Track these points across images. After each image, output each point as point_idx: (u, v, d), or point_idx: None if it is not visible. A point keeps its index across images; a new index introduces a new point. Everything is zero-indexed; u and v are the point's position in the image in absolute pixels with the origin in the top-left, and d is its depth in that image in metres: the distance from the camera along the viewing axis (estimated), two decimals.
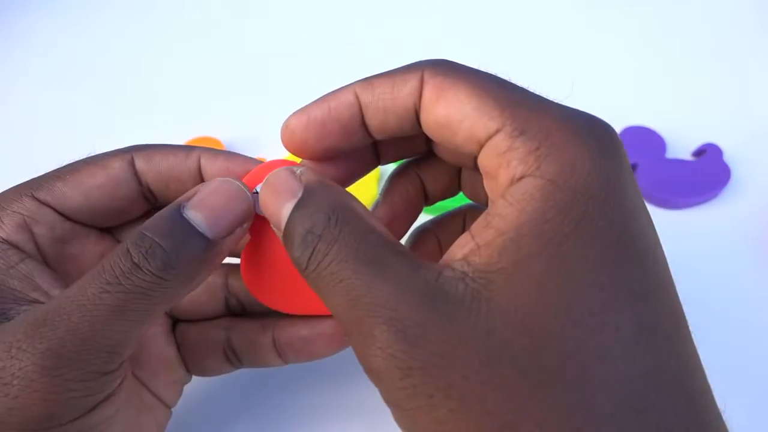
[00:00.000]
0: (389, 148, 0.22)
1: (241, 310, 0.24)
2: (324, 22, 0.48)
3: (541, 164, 0.16)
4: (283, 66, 0.44)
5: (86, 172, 0.21)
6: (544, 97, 0.18)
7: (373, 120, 0.19)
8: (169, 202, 0.20)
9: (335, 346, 0.23)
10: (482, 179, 0.18)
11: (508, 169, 0.16)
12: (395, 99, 0.18)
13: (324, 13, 0.48)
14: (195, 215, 0.18)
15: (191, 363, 0.24)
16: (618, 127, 0.38)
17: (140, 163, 0.21)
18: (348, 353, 0.24)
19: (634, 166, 0.36)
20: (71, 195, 0.20)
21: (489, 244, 0.15)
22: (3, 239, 0.19)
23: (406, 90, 0.18)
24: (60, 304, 0.17)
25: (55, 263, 0.20)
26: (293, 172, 0.18)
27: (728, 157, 0.36)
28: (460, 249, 0.16)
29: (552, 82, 0.43)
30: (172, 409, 0.24)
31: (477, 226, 0.16)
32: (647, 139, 0.37)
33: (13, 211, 0.20)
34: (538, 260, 0.15)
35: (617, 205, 0.15)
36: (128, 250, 0.17)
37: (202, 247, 0.18)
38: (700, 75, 0.43)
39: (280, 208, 0.18)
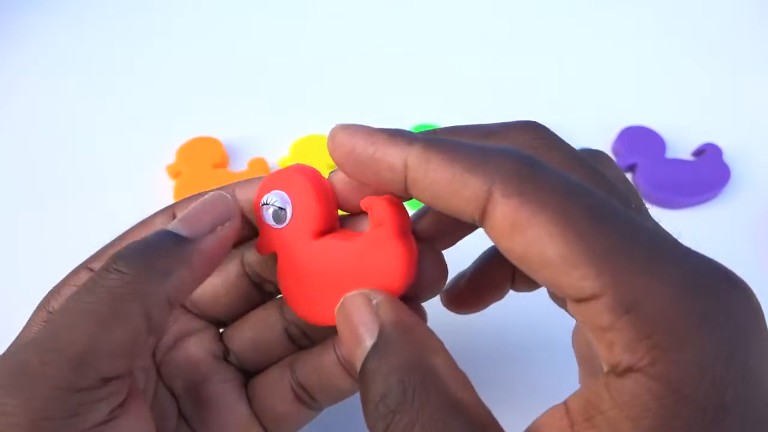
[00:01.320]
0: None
1: (306, 340, 0.22)
2: (324, 21, 0.48)
3: (656, 360, 0.12)
4: (284, 66, 0.44)
5: (132, 235, 0.20)
6: (658, 233, 0.14)
7: (425, 200, 0.16)
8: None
9: None
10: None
11: (610, 351, 0.13)
12: (450, 199, 0.15)
13: (324, 12, 0.48)
14: (174, 224, 0.18)
15: (265, 417, 0.21)
16: (618, 127, 0.38)
17: (250, 258, 0.21)
18: None
19: (633, 166, 0.36)
20: (201, 291, 0.20)
21: None
22: None
23: (466, 194, 0.14)
24: (43, 332, 0.16)
25: None
26: (369, 302, 0.16)
27: (728, 157, 0.36)
28: None
29: (552, 82, 0.43)
30: None
31: (577, 413, 0.13)
32: (647, 139, 0.37)
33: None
34: None
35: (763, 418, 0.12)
36: (108, 263, 0.17)
37: (173, 241, 0.17)
38: (700, 75, 0.43)
39: (354, 349, 0.16)
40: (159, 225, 0.19)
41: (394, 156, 0.16)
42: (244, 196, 0.20)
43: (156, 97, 0.42)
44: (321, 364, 0.20)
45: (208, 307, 0.22)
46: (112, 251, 0.18)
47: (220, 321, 0.22)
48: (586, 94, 0.42)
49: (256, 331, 0.21)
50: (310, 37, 0.46)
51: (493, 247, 0.20)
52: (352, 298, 0.17)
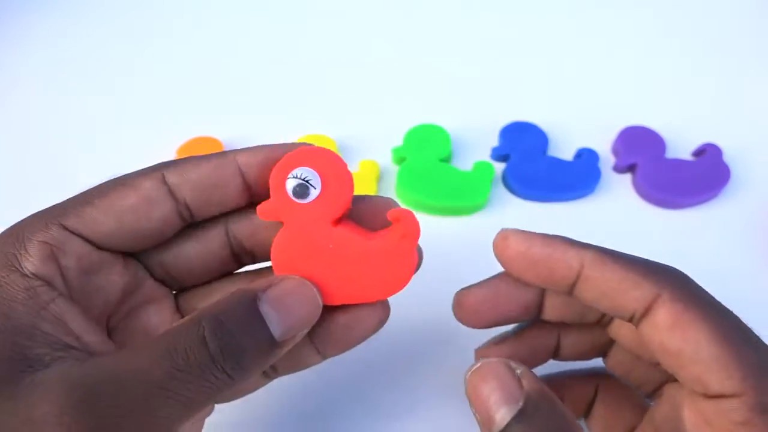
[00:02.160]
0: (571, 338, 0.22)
1: (250, 258, 0.22)
2: (325, 21, 0.48)
3: None
4: (284, 66, 0.44)
5: (116, 194, 0.19)
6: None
7: (589, 297, 0.19)
8: (211, 215, 0.20)
9: (375, 324, 0.21)
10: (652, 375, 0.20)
11: None
12: (617, 297, 0.18)
13: (325, 12, 0.48)
14: (271, 313, 0.17)
15: None
16: (618, 127, 0.38)
17: (173, 179, 0.19)
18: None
19: (633, 166, 0.36)
20: (103, 220, 0.19)
21: None
22: (32, 273, 0.17)
23: (635, 294, 0.18)
24: (121, 376, 0.15)
25: (80, 297, 0.19)
26: (513, 371, 0.18)
27: (728, 157, 0.36)
28: None
29: (553, 82, 0.43)
30: None
31: None
32: (647, 139, 0.37)
33: (40, 241, 0.18)
34: None
35: None
36: (204, 338, 0.16)
37: (269, 348, 0.17)
38: (700, 75, 0.43)
39: (494, 409, 0.17)
40: (149, 188, 0.19)
41: (573, 256, 0.19)
42: (245, 159, 0.20)
43: (156, 97, 0.42)
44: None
45: (181, 275, 0.21)
46: (88, 208, 0.18)
47: (182, 287, 0.22)
48: (586, 94, 0.42)
49: (201, 253, 0.20)
50: (311, 37, 0.46)
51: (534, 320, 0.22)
52: (493, 363, 0.18)
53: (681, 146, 0.38)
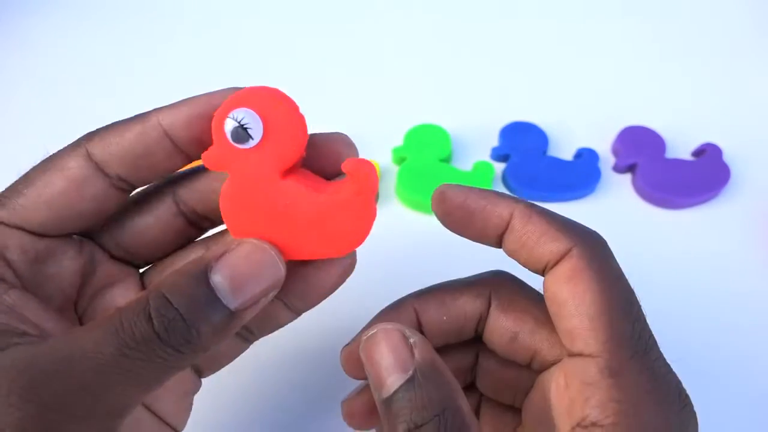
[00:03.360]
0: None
1: (208, 223, 0.22)
2: (325, 22, 0.48)
3: (618, 422, 0.16)
4: (283, 66, 0.44)
5: (42, 181, 0.18)
6: (653, 342, 0.18)
7: (511, 248, 0.19)
8: (150, 182, 0.20)
9: (340, 274, 0.21)
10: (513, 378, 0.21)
11: (584, 405, 0.17)
12: (535, 248, 0.19)
13: (326, 13, 0.48)
14: (222, 283, 0.17)
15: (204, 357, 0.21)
16: (618, 127, 0.38)
17: (98, 153, 0.19)
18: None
19: (633, 166, 0.36)
20: (34, 209, 0.18)
21: None
22: None
23: (551, 246, 0.18)
24: (70, 355, 0.15)
25: (33, 286, 0.18)
26: (407, 339, 0.18)
27: (728, 157, 0.36)
28: None
29: (553, 82, 0.43)
30: None
31: None
32: (647, 139, 0.37)
33: None
34: None
35: None
36: (150, 316, 0.16)
37: (222, 322, 0.17)
38: (700, 75, 0.44)
39: (385, 375, 0.17)
40: (74, 168, 0.19)
41: (504, 207, 0.19)
42: (168, 120, 0.19)
43: (156, 96, 0.42)
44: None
45: (139, 251, 0.21)
46: (18, 199, 0.18)
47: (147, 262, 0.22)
48: (586, 94, 0.42)
49: (152, 225, 0.20)
50: (311, 37, 0.46)
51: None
52: (388, 331, 0.18)
53: (681, 146, 0.38)
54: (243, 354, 0.23)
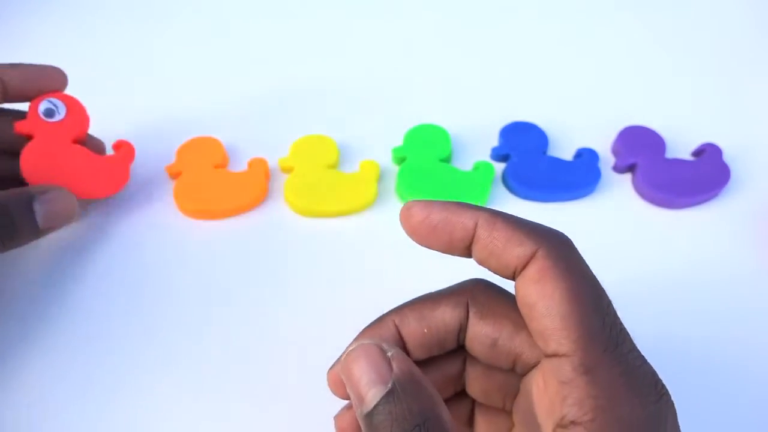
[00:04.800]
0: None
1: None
2: (324, 22, 0.48)
3: (596, 417, 0.16)
4: (284, 66, 0.44)
5: None
6: (625, 336, 0.18)
7: (481, 256, 0.20)
8: None
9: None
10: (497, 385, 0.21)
11: (562, 404, 0.17)
12: (503, 255, 0.19)
13: (325, 12, 0.48)
14: (40, 211, 0.28)
15: None
16: (618, 127, 0.38)
17: None
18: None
19: (633, 166, 0.36)
20: None
21: None
22: None
23: (518, 251, 0.19)
24: None
25: None
26: (385, 353, 0.19)
27: (728, 157, 0.36)
28: None
29: (553, 82, 0.43)
30: None
31: None
32: (647, 139, 0.37)
33: None
34: None
35: None
36: None
37: (30, 234, 0.28)
38: (700, 75, 0.44)
39: (365, 390, 0.18)
40: None
41: (467, 218, 0.19)
42: (7, 77, 0.30)
43: (156, 97, 0.42)
44: None
45: None
46: None
47: None
48: (586, 94, 0.42)
49: None
50: (311, 37, 0.46)
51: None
52: (366, 346, 0.19)
53: (681, 146, 0.38)
54: (226, 375, 0.27)
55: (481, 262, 0.20)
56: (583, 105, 0.41)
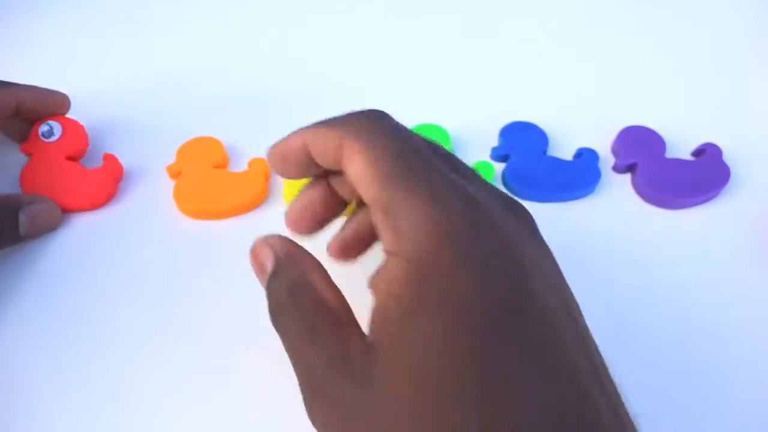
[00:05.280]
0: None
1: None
2: (324, 22, 0.48)
3: (402, 245, 0.18)
4: (284, 66, 0.44)
5: None
6: (434, 165, 0.20)
7: (318, 159, 0.22)
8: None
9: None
10: None
11: (383, 242, 0.19)
12: (325, 153, 0.21)
13: (325, 12, 0.48)
14: (25, 221, 0.31)
15: None
16: (618, 127, 0.38)
17: None
18: None
19: (633, 166, 0.36)
20: None
21: (374, 319, 0.19)
22: None
23: (330, 144, 0.21)
24: None
25: None
26: (269, 245, 0.23)
27: (728, 157, 0.36)
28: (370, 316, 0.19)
29: (552, 81, 0.43)
30: None
31: (375, 286, 0.20)
32: (647, 139, 0.37)
33: None
34: (396, 342, 0.18)
35: (460, 281, 0.17)
36: None
37: (14, 241, 0.31)
38: (700, 75, 0.44)
39: (261, 277, 0.23)
40: None
41: (297, 137, 0.22)
42: (23, 96, 0.34)
43: (156, 96, 0.42)
44: None
45: None
46: None
47: None
48: (586, 94, 0.42)
49: None
50: (311, 37, 0.46)
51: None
52: (258, 240, 0.23)
53: (681, 146, 0.38)
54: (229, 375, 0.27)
55: (325, 166, 0.22)
56: (583, 105, 0.41)
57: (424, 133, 0.37)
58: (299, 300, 0.21)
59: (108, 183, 0.34)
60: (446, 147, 0.36)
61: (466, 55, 0.45)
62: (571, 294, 0.21)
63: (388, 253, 0.19)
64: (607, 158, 0.38)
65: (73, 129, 0.36)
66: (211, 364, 0.29)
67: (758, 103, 0.41)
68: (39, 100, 0.35)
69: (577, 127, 0.39)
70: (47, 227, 0.33)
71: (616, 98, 0.42)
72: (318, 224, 0.25)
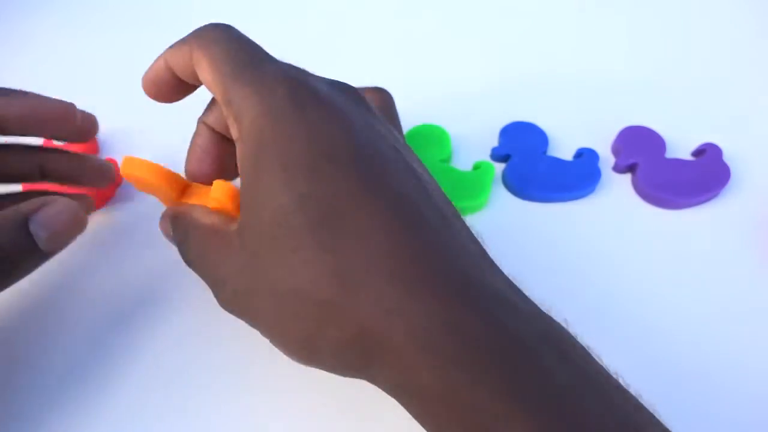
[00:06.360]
0: None
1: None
2: (324, 21, 0.48)
3: (242, 130, 0.21)
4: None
5: None
6: (264, 58, 0.23)
7: (180, 74, 0.25)
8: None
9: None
10: None
11: (232, 129, 0.22)
12: (182, 68, 0.24)
13: (325, 11, 0.48)
14: (40, 232, 0.23)
15: None
16: (618, 127, 0.38)
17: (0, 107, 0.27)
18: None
19: (633, 166, 0.36)
20: None
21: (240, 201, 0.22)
22: None
23: (183, 58, 0.24)
24: None
25: None
26: (163, 217, 0.27)
27: (728, 156, 0.36)
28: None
29: (552, 81, 0.43)
30: None
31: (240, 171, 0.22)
32: (647, 139, 0.37)
33: None
34: (246, 202, 0.21)
35: (291, 142, 0.20)
36: None
37: (37, 260, 0.24)
38: (700, 75, 0.43)
39: (173, 242, 0.26)
40: None
41: (159, 61, 0.25)
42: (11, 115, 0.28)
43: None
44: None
45: None
46: None
47: None
48: (586, 94, 0.42)
49: None
50: (311, 37, 0.46)
51: None
52: (162, 217, 0.26)
53: (681, 146, 0.38)
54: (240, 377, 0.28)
55: (190, 80, 0.25)
56: (583, 105, 0.41)
57: (425, 133, 0.37)
58: (191, 234, 0.24)
59: (107, 188, 0.34)
60: (446, 147, 0.36)
61: (467, 55, 0.45)
62: (405, 150, 0.24)
63: (236, 141, 0.22)
64: (607, 158, 0.38)
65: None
66: (217, 364, 0.29)
67: (758, 103, 0.41)
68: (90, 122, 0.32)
69: (577, 127, 0.39)
70: (72, 232, 0.24)
71: (616, 98, 0.42)
72: (217, 166, 0.27)
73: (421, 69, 0.44)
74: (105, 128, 0.39)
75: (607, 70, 0.44)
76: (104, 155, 0.38)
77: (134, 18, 0.48)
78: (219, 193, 0.23)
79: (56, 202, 0.24)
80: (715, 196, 0.36)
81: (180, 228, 0.25)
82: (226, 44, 0.23)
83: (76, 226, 0.24)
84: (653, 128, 0.38)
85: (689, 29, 0.47)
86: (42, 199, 0.24)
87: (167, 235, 0.26)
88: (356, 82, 0.43)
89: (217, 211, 0.24)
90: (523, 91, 0.42)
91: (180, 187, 0.27)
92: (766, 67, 0.44)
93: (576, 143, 0.38)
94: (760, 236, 0.34)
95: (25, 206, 0.23)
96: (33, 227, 0.22)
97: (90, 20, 0.48)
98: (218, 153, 0.26)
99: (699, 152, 0.37)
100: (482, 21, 0.48)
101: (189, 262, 0.25)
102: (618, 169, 0.37)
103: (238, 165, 0.22)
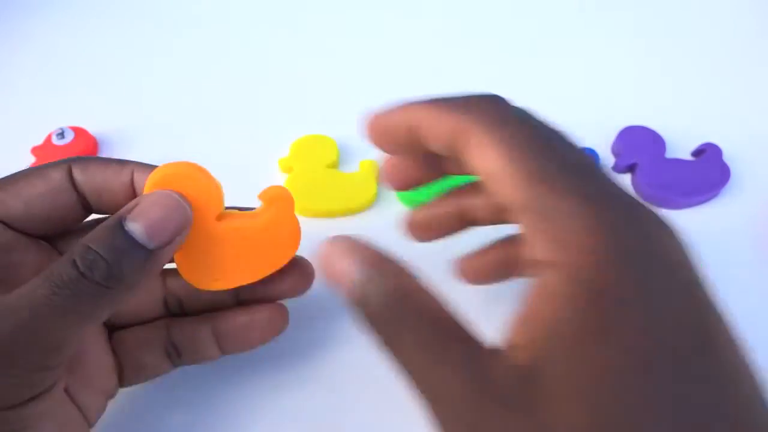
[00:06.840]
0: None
1: (179, 311, 0.26)
2: (324, 20, 0.48)
3: (568, 256, 0.15)
4: (283, 66, 0.44)
5: (25, 181, 0.22)
6: (581, 161, 0.18)
7: (429, 142, 0.20)
8: (102, 212, 0.23)
9: (272, 331, 0.25)
10: None
11: (531, 249, 0.16)
12: (439, 134, 0.20)
13: (324, 11, 0.48)
14: (135, 227, 0.20)
15: (129, 363, 0.25)
16: (618, 127, 0.38)
17: (77, 174, 0.22)
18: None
19: (633, 166, 0.36)
20: (12, 204, 0.22)
21: (530, 340, 0.16)
22: None
23: (443, 128, 0.20)
24: (10, 301, 0.18)
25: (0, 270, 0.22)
26: (347, 247, 0.19)
27: (728, 156, 0.36)
28: (513, 335, 0.16)
29: (552, 81, 0.43)
30: None
31: (521, 313, 0.16)
32: (647, 138, 0.37)
33: None
34: (571, 370, 0.15)
35: (640, 301, 0.15)
36: (74, 261, 0.19)
37: (143, 258, 0.20)
38: (700, 75, 0.43)
39: (341, 284, 0.18)
40: (56, 179, 0.22)
41: (403, 113, 0.22)
42: (138, 175, 0.23)
43: (156, 96, 0.42)
44: (197, 333, 0.25)
45: (37, 225, 0.23)
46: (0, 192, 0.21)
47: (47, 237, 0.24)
48: (586, 94, 0.42)
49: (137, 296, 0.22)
50: (310, 37, 0.46)
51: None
52: (328, 244, 0.19)
53: (681, 146, 0.38)
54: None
55: (434, 150, 0.21)
56: (583, 105, 0.41)
57: None
58: (411, 309, 0.17)
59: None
60: None
61: (467, 55, 0.45)
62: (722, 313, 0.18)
63: (542, 263, 0.16)
64: (607, 158, 0.38)
65: (84, 137, 0.36)
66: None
67: (758, 103, 0.41)
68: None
69: (577, 127, 0.39)
70: (171, 220, 0.21)
71: (616, 98, 0.42)
72: (439, 236, 0.25)
73: (422, 69, 0.44)
74: (105, 128, 0.39)
75: (607, 70, 0.44)
76: (104, 155, 0.38)
77: (134, 18, 0.48)
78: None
79: (150, 194, 0.21)
80: (715, 196, 0.36)
81: (385, 283, 0.18)
82: (520, 131, 0.19)
83: (174, 212, 0.21)
84: (653, 128, 0.38)
85: (689, 29, 0.47)
86: (138, 198, 0.21)
87: (328, 270, 0.19)
88: (357, 80, 0.43)
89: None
90: (522, 92, 0.42)
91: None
92: (766, 67, 0.44)
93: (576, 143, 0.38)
94: (760, 236, 0.34)
95: (122, 210, 0.21)
96: (128, 225, 0.20)
97: (90, 20, 0.48)
98: (454, 230, 0.25)
99: (699, 152, 0.37)
100: (482, 21, 0.48)
101: (389, 342, 0.17)
102: (618, 169, 0.37)
103: (541, 295, 0.16)
